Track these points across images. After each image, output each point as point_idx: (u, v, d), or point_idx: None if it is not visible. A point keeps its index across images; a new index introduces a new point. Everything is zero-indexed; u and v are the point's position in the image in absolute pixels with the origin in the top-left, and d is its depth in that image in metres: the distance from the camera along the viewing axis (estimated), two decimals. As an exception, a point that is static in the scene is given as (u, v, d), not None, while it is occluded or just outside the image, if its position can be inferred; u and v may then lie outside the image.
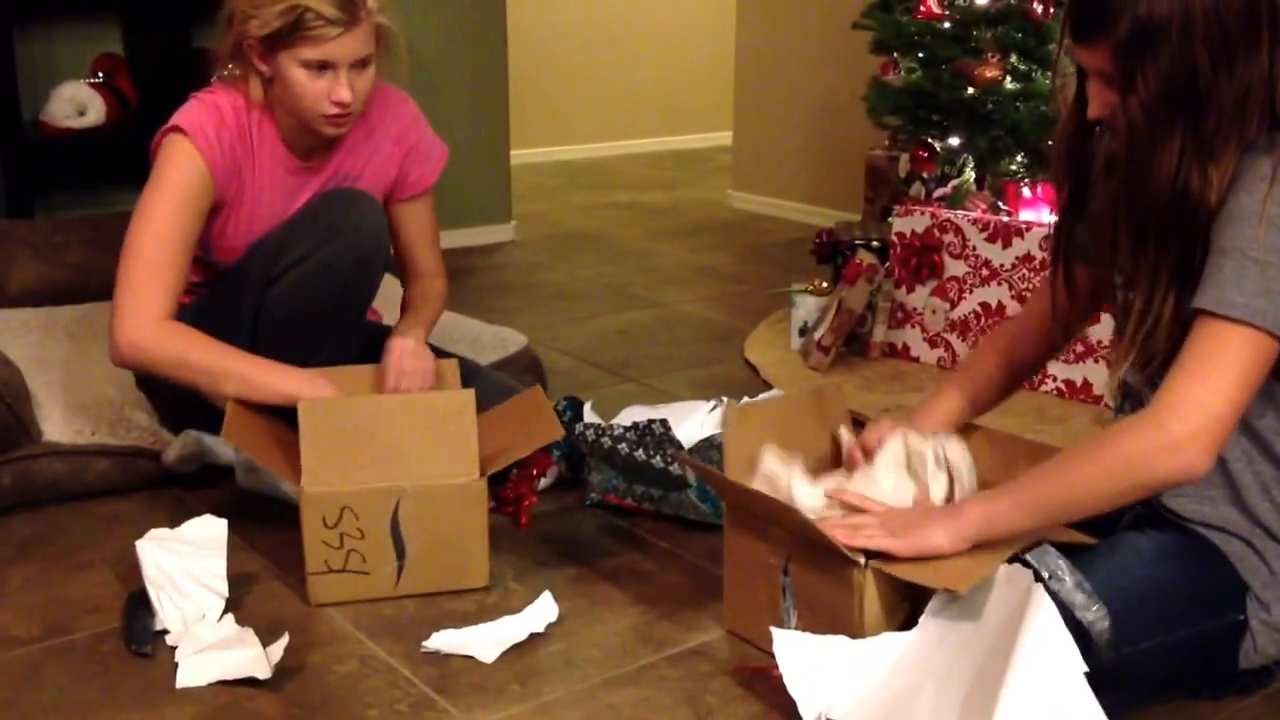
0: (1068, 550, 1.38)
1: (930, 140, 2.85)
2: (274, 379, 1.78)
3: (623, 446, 1.89)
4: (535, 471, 1.97)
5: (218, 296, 2.00)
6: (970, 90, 2.70)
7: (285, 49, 1.80)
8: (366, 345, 2.00)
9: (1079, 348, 2.49)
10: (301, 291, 1.88)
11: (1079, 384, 2.50)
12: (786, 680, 1.35)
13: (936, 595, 1.37)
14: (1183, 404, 1.24)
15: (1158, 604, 1.35)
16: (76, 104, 3.20)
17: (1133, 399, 1.45)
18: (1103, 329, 2.44)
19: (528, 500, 1.94)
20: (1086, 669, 1.24)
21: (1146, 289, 1.35)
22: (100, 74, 3.31)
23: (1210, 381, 1.23)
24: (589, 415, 2.09)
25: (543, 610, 1.64)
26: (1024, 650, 1.24)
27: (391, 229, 2.09)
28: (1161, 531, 1.40)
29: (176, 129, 1.85)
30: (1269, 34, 1.26)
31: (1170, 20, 1.24)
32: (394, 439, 1.67)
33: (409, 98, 2.09)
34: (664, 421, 1.89)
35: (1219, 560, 1.37)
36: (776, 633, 1.39)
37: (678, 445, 1.87)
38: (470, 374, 2.02)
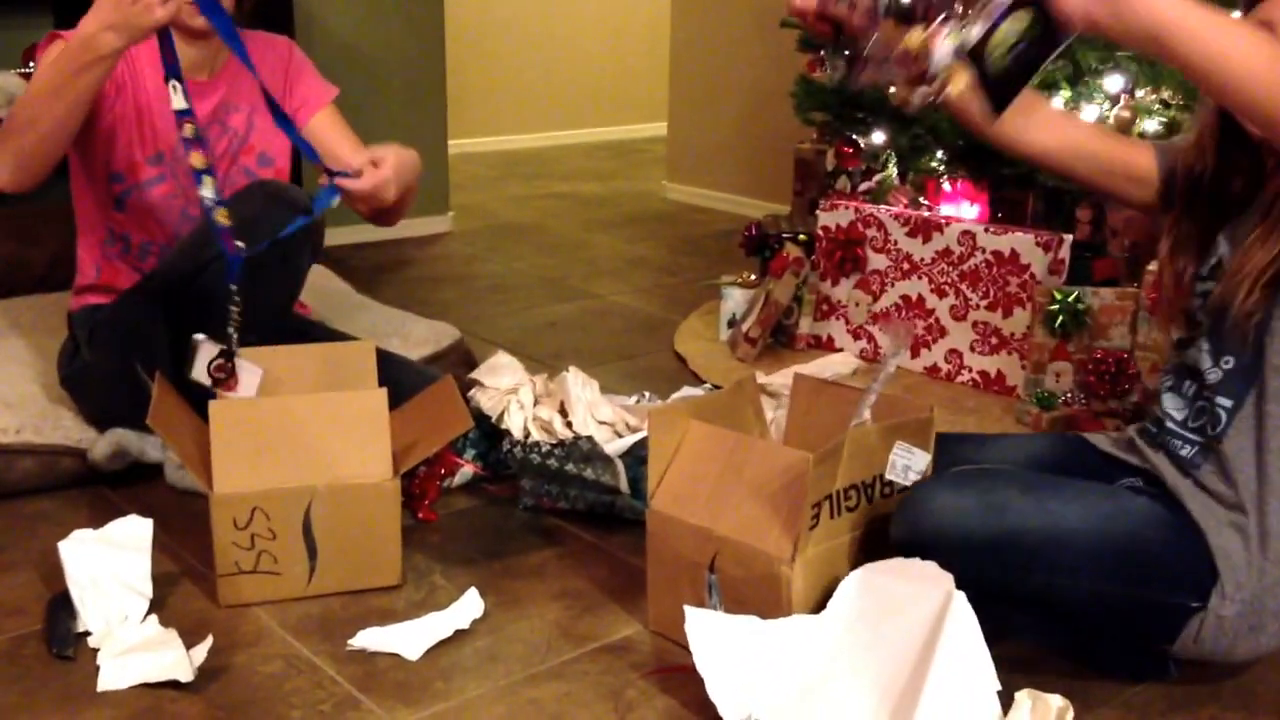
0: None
1: (855, 136, 2.90)
2: (72, 47, 1.75)
3: (552, 462, 1.91)
4: (443, 471, 2.00)
5: (146, 286, 2.01)
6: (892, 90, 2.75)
7: None
8: (297, 339, 2.01)
9: (994, 340, 2.56)
10: (225, 284, 1.88)
11: (993, 375, 2.58)
12: (696, 659, 1.38)
13: (847, 579, 1.42)
14: None
15: (1126, 558, 1.40)
16: (6, 94, 3.15)
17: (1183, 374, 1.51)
18: (1016, 322, 2.51)
19: (429, 498, 1.97)
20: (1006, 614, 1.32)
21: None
22: (30, 64, 3.26)
23: None
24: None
25: (468, 606, 1.66)
26: (940, 664, 1.28)
27: (313, 141, 2.09)
28: (1158, 501, 1.45)
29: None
30: None
31: None
32: (306, 438, 1.68)
33: (293, 42, 2.18)
34: (589, 439, 1.92)
35: (1200, 546, 1.41)
36: (690, 611, 1.42)
37: (606, 459, 1.90)
38: (387, 362, 2.01)
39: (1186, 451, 1.48)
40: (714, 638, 1.40)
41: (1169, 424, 1.51)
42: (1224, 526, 1.42)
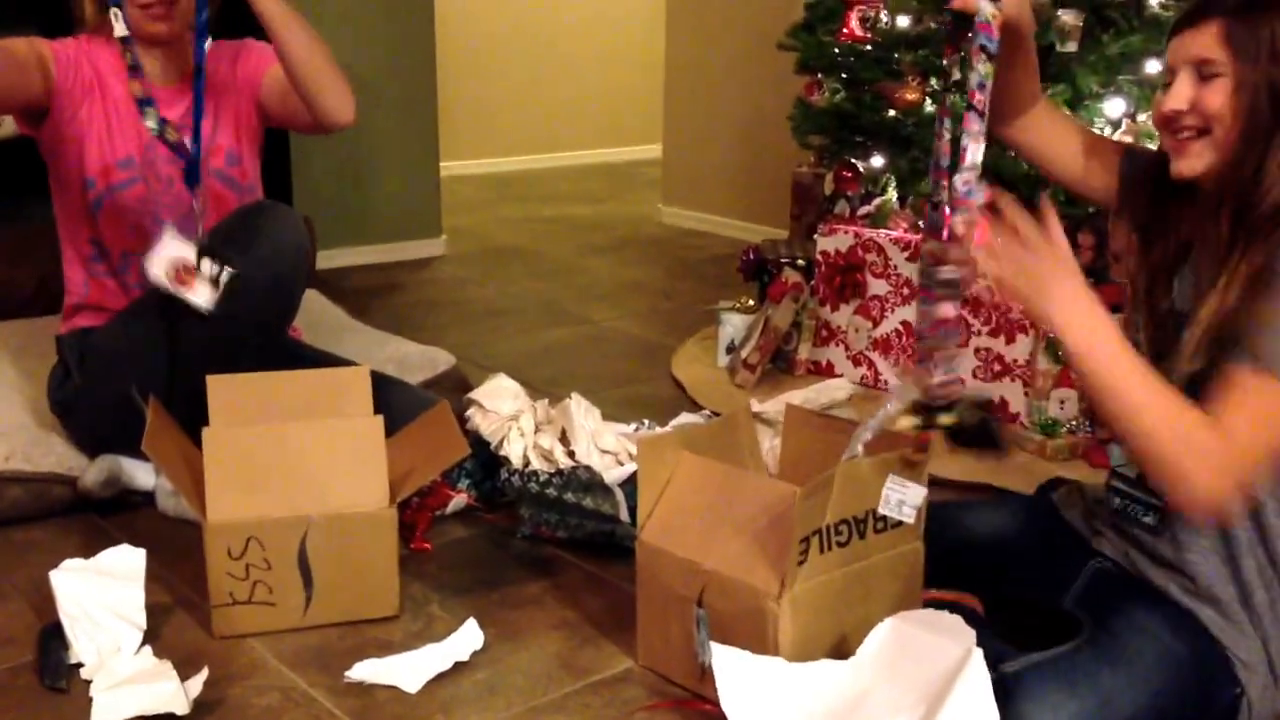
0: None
1: (853, 160, 2.89)
2: None
3: (551, 491, 1.89)
4: (433, 503, 1.98)
5: (137, 309, 1.99)
6: (891, 112, 2.74)
7: None
8: (289, 364, 1.98)
9: (997, 366, 2.54)
10: (220, 305, 1.86)
11: (997, 402, 2.56)
12: (722, 698, 1.35)
13: (879, 626, 1.38)
14: (1246, 457, 1.24)
15: (1190, 702, 1.37)
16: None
17: None
18: (1019, 349, 2.50)
19: (421, 528, 1.95)
20: None
21: (1203, 296, 1.37)
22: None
23: (1268, 444, 1.24)
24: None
25: (467, 638, 1.64)
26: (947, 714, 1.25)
27: (275, 94, 2.11)
28: (1153, 612, 1.40)
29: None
30: None
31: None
32: (302, 466, 1.66)
33: (252, 39, 2.19)
34: (588, 468, 1.90)
35: (1206, 639, 1.38)
36: (716, 649, 1.38)
37: (606, 489, 1.88)
38: (383, 386, 1.98)
39: (1151, 519, 1.43)
40: (741, 677, 1.36)
41: (1124, 486, 1.47)
42: (1200, 602, 1.39)
